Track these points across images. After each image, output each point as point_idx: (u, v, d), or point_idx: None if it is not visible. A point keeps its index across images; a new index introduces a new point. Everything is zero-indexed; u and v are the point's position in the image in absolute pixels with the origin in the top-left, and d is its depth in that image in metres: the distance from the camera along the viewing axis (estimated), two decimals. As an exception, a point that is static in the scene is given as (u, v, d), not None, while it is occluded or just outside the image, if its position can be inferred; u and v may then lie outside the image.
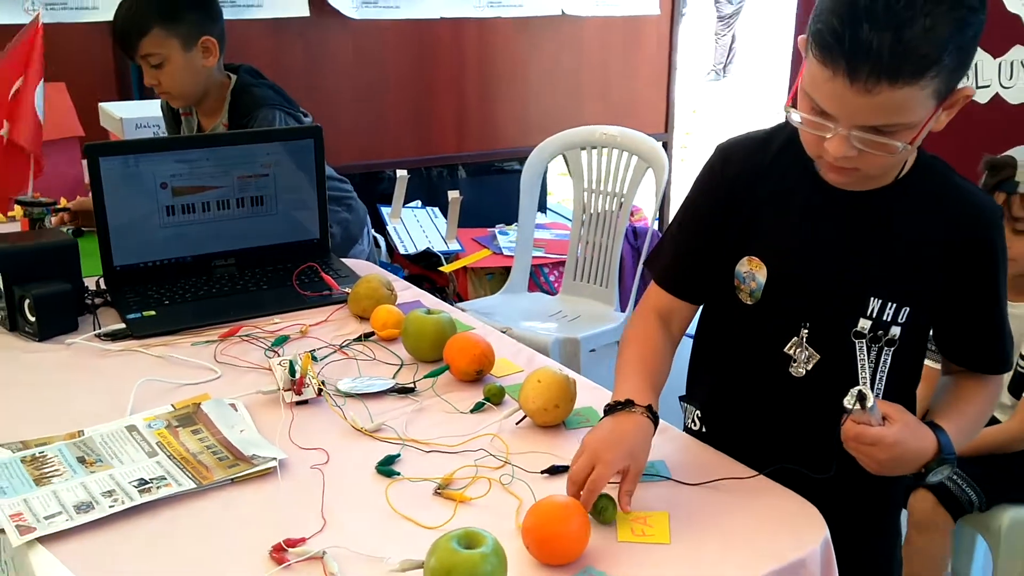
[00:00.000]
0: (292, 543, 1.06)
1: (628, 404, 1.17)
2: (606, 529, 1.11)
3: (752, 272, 1.26)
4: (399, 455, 1.26)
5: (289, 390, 1.38)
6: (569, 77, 4.05)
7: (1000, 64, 2.66)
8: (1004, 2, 2.61)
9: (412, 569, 1.00)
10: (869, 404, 1.07)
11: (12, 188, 1.96)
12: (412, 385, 1.45)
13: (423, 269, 3.58)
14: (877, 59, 0.99)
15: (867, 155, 1.08)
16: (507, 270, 3.49)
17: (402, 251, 3.56)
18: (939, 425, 1.15)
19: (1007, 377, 1.88)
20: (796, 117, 1.11)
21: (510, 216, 3.92)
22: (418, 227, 3.72)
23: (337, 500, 1.16)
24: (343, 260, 1.97)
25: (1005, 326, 1.25)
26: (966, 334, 1.25)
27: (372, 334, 1.63)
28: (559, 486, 1.17)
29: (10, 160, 2.10)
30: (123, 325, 1.63)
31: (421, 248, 3.54)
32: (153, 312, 1.67)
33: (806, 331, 1.24)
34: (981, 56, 2.69)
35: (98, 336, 1.60)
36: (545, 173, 3.11)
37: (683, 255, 1.34)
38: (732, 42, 10.74)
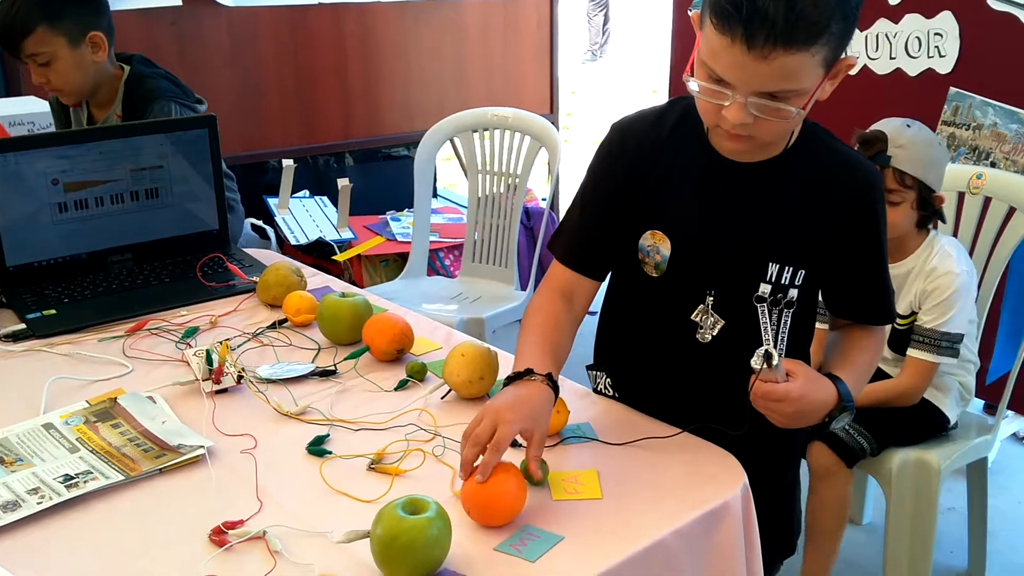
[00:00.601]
0: (231, 525, 1.06)
1: (528, 372, 1.19)
2: (541, 489, 1.14)
3: (656, 245, 1.31)
4: (328, 435, 1.27)
5: (208, 379, 1.37)
6: (452, 60, 4.07)
7: (867, 37, 2.82)
8: (865, -22, 2.77)
9: (358, 539, 1.01)
10: (775, 363, 1.13)
11: None
12: (333, 368, 1.45)
13: (316, 259, 3.53)
14: (772, 26, 1.04)
15: (762, 122, 1.14)
16: (401, 256, 3.49)
17: (293, 242, 3.51)
18: (837, 376, 1.22)
19: (887, 329, 2.01)
20: (694, 86, 1.16)
21: (401, 202, 3.92)
22: (308, 217, 3.68)
23: (271, 482, 1.16)
24: (246, 250, 1.94)
25: (887, 280, 1.34)
26: (854, 290, 1.33)
27: (285, 321, 1.62)
28: (490, 453, 1.21)
29: None
30: (23, 325, 1.57)
31: (313, 238, 3.50)
32: (53, 311, 1.62)
33: (711, 299, 1.29)
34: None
35: (-3, 338, 1.54)
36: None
37: (584, 232, 1.36)
38: (605, 23, 10.94)
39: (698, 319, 1.31)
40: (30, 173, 1.69)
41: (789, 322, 1.30)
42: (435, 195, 4.30)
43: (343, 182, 3.44)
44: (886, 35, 2.77)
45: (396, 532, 0.97)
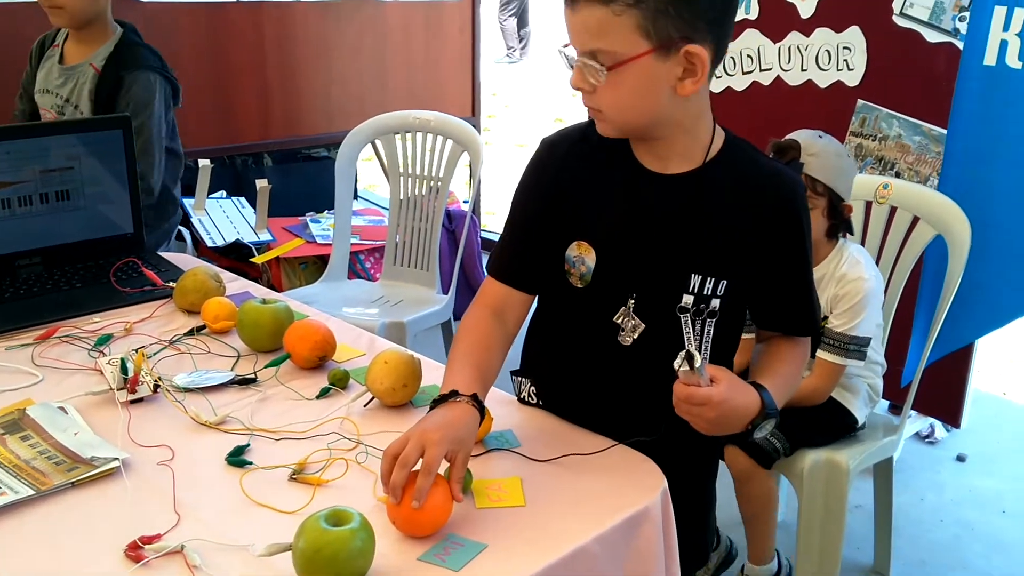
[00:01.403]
0: (148, 540, 1.04)
1: (453, 395, 1.19)
2: (465, 498, 1.14)
3: (581, 256, 1.32)
4: (248, 445, 1.25)
5: (123, 389, 1.33)
6: (373, 62, 4.04)
7: (779, 49, 2.91)
8: (782, -10, 2.86)
9: (280, 552, 1.00)
10: (697, 364, 1.12)
11: None
12: (253, 376, 1.43)
13: (233, 261, 3.47)
14: None
15: (599, 92, 1.19)
16: (321, 259, 3.45)
17: (209, 244, 3.43)
18: (760, 384, 1.23)
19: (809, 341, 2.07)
20: (570, 52, 1.20)
21: (320, 204, 3.88)
22: (225, 218, 3.60)
23: (189, 495, 1.14)
24: (161, 254, 1.89)
25: (812, 292, 1.37)
26: (779, 301, 1.35)
27: (203, 327, 1.59)
28: (413, 461, 1.21)
29: None
30: (-79, 333, 1.51)
31: (230, 240, 3.43)
32: (-44, 317, 1.55)
33: (632, 302, 1.31)
34: (763, 41, 2.93)
35: None
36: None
37: (514, 246, 1.37)
38: (522, 26, 10.99)
39: (619, 321, 1.32)
40: (-69, 173, 1.63)
41: (712, 331, 1.32)
42: (355, 196, 4.27)
43: (261, 183, 3.39)
44: (798, 47, 2.86)
45: (319, 544, 0.96)
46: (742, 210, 1.28)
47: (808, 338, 1.40)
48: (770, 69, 2.95)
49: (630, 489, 1.18)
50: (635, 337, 1.32)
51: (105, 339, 1.53)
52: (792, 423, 1.97)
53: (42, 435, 1.23)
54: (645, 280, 1.30)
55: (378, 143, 3.04)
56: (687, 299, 1.29)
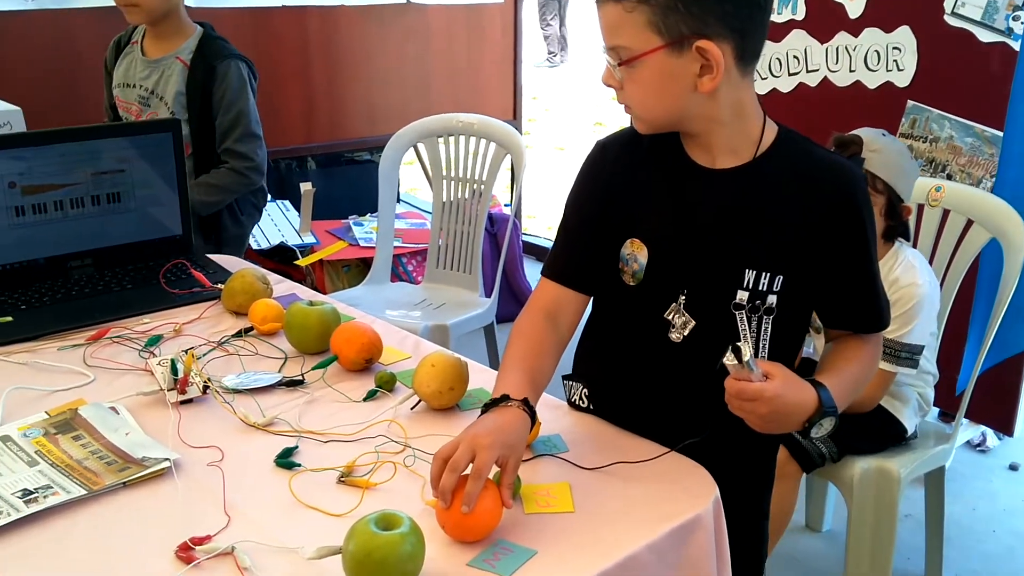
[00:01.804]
0: (198, 541, 1.04)
1: (504, 399, 1.18)
2: (514, 503, 1.13)
3: (634, 253, 1.32)
4: (296, 447, 1.25)
5: (173, 390, 1.34)
6: (416, 66, 4.05)
7: (827, 49, 2.87)
8: (828, -10, 2.82)
9: (329, 555, 1.00)
10: (746, 358, 1.10)
11: None
12: (301, 377, 1.43)
13: (277, 264, 3.49)
14: None
15: (626, 89, 1.22)
16: (364, 261, 3.47)
17: (254, 247, 3.46)
18: (820, 382, 1.20)
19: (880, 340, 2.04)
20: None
21: (363, 207, 3.89)
22: (269, 221, 3.63)
23: (238, 496, 1.14)
24: (209, 256, 1.91)
25: (878, 287, 1.32)
26: (842, 297, 1.31)
27: (251, 329, 1.60)
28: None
29: None
30: (-23, 333, 1.53)
31: (275, 243, 3.46)
32: (9, 318, 1.58)
33: (683, 298, 1.29)
34: (809, 42, 2.89)
35: (-50, 346, 1.50)
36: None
37: (569, 246, 1.38)
38: (561, 27, 10.97)
39: (670, 317, 1.30)
40: (-10, 175, 1.65)
41: (770, 329, 1.29)
42: (397, 200, 4.28)
43: (306, 186, 3.41)
44: (846, 48, 2.82)
45: (369, 548, 0.96)
46: (798, 203, 1.25)
47: (880, 336, 1.35)
48: (817, 70, 2.91)
49: (681, 496, 1.17)
50: (685, 334, 1.30)
51: (155, 340, 1.54)
52: (840, 430, 1.94)
53: (94, 435, 1.24)
54: (696, 276, 1.29)
55: (420, 146, 3.04)
56: (741, 295, 1.27)
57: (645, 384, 1.36)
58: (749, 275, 1.26)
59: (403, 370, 1.47)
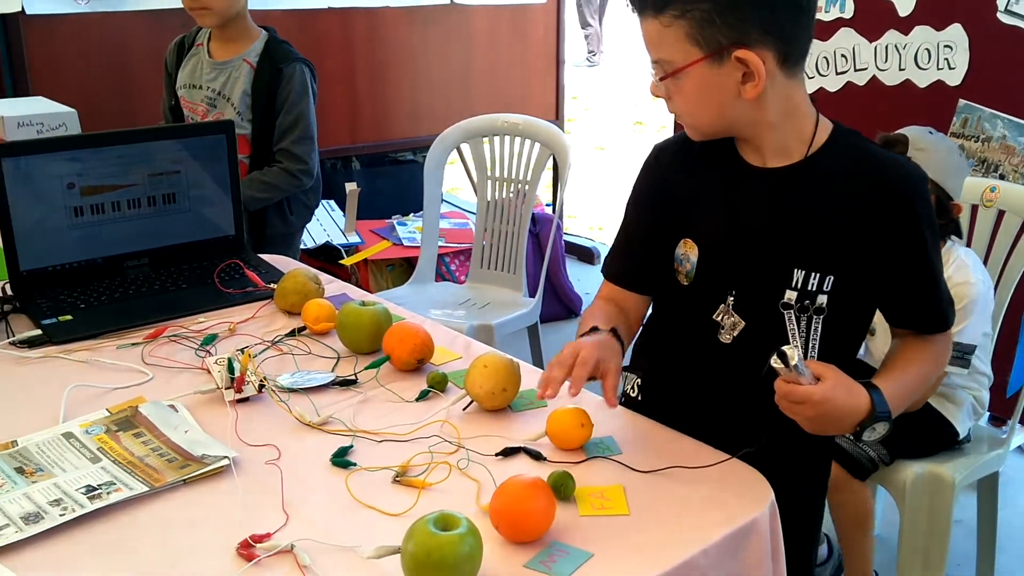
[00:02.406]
0: (259, 539, 1.05)
1: (594, 330, 1.28)
2: (568, 505, 1.14)
3: (687, 254, 1.34)
4: (351, 446, 1.26)
5: (229, 388, 1.36)
6: (459, 66, 4.07)
7: (876, 48, 2.83)
8: (878, -12, 2.79)
9: (388, 555, 1.01)
10: (793, 362, 1.10)
11: None
12: (354, 377, 1.45)
13: (323, 263, 3.53)
14: None
15: (674, 99, 1.26)
16: (407, 261, 3.49)
17: (301, 246, 3.50)
18: (874, 384, 1.20)
19: (947, 341, 2.01)
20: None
21: (406, 207, 3.92)
22: (315, 221, 3.67)
23: (296, 494, 1.15)
24: (261, 256, 1.94)
25: (939, 284, 1.30)
26: (902, 295, 1.29)
27: (304, 328, 1.61)
28: (515, 467, 1.21)
29: None
30: (38, 331, 1.56)
31: (320, 242, 3.50)
32: (70, 316, 1.61)
33: (732, 299, 1.31)
34: (858, 40, 2.86)
35: (13, 344, 1.53)
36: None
37: (627, 249, 1.42)
38: (599, 32, 10.95)
39: (719, 319, 1.32)
40: (46, 177, 1.68)
41: (820, 329, 1.28)
42: (441, 199, 4.30)
43: (351, 186, 3.44)
44: (895, 46, 2.78)
45: (429, 548, 0.96)
46: (851, 202, 1.25)
47: (946, 337, 1.33)
48: (865, 69, 2.87)
49: (737, 501, 1.16)
50: (735, 335, 1.31)
51: (211, 339, 1.57)
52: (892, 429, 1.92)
53: (154, 432, 1.27)
54: (745, 276, 1.30)
55: (464, 146, 3.06)
56: (790, 295, 1.27)
57: (695, 384, 1.37)
58: (798, 275, 1.27)
59: (454, 370, 1.48)
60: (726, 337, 1.32)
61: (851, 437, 1.21)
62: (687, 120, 1.29)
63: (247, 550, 1.04)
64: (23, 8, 3.07)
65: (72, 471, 1.18)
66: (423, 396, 1.41)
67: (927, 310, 1.31)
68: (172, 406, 1.33)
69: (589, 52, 11.01)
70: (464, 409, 1.37)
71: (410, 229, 3.71)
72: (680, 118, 1.30)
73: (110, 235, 1.77)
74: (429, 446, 1.27)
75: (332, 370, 1.48)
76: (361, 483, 1.18)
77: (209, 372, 1.41)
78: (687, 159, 1.35)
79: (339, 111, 3.78)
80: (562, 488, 1.14)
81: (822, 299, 1.27)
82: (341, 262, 3.46)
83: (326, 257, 3.49)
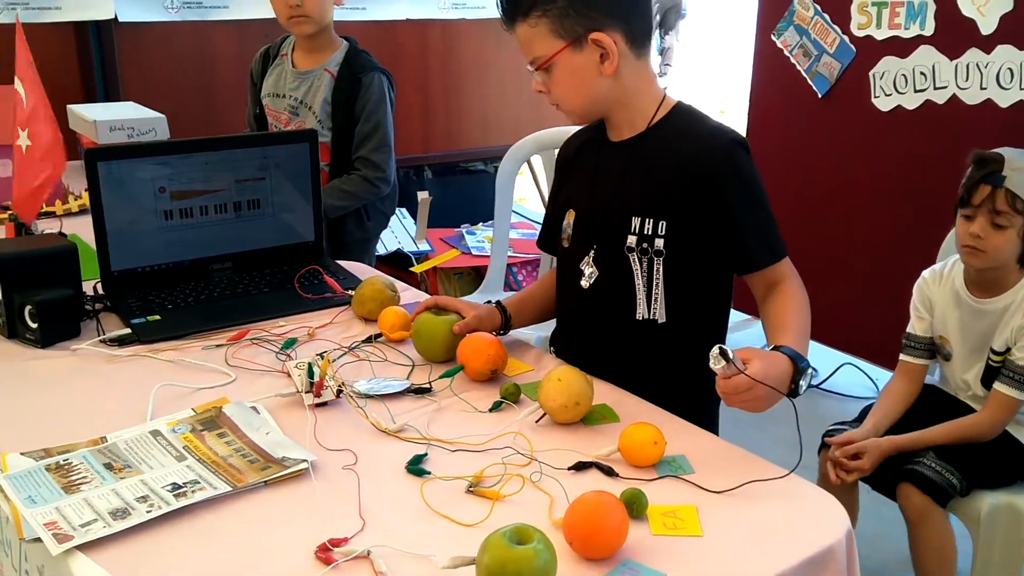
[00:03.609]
0: (336, 543, 1.07)
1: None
2: (640, 523, 1.14)
3: (569, 222, 1.62)
4: (426, 454, 1.28)
5: (309, 392, 1.39)
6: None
7: (956, 66, 2.77)
8: (959, 6, 2.72)
9: (463, 565, 1.02)
10: (731, 357, 1.22)
11: (40, 195, 1.87)
12: (428, 385, 1.47)
13: (393, 270, 3.58)
14: (500, 4, 1.48)
15: (551, 90, 1.49)
16: (475, 270, 3.52)
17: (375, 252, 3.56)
18: (780, 344, 1.36)
19: (978, 370, 1.96)
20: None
21: (475, 216, 3.95)
22: (387, 229, 3.72)
23: (373, 500, 1.17)
24: (339, 262, 1.98)
25: (763, 226, 1.50)
26: (735, 238, 1.49)
27: (380, 335, 1.64)
28: (586, 482, 1.22)
29: (32, 167, 2.02)
30: (127, 330, 1.62)
31: (392, 249, 3.55)
32: (158, 316, 1.66)
33: (593, 251, 1.56)
34: (938, 58, 2.80)
35: (104, 342, 1.59)
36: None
37: (546, 220, 1.75)
38: (660, 45, 10.89)
39: (583, 268, 1.58)
40: (139, 181, 1.75)
41: (662, 270, 1.51)
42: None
43: (422, 195, 3.48)
44: (977, 65, 2.72)
45: (504, 561, 0.97)
46: (676, 162, 1.49)
47: (784, 264, 1.51)
48: (945, 87, 2.81)
49: (812, 526, 1.15)
50: (591, 282, 1.57)
51: (291, 343, 1.61)
52: (967, 461, 1.87)
53: (237, 433, 1.30)
54: (599, 229, 1.54)
55: (534, 158, 3.07)
56: (631, 240, 1.51)
57: (566, 324, 1.68)
58: (635, 221, 1.51)
59: (527, 382, 1.49)
60: (585, 283, 1.57)
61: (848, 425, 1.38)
62: (565, 106, 1.51)
63: (325, 554, 1.06)
64: (116, 16, 3.19)
65: (159, 468, 1.22)
66: (496, 407, 1.42)
67: (756, 245, 1.50)
68: (254, 408, 1.37)
69: (664, 65, 10.97)
70: (537, 421, 1.38)
71: (479, 238, 3.74)
72: (560, 106, 1.52)
73: (197, 239, 1.82)
74: (502, 457, 1.28)
75: (407, 378, 1.51)
76: (435, 491, 1.20)
77: (289, 376, 1.45)
78: (575, 147, 1.65)
79: (413, 120, 3.83)
80: (635, 505, 1.14)
81: (659, 242, 1.50)
82: (411, 269, 3.51)
83: (397, 264, 3.54)
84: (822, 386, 3.38)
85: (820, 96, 3.17)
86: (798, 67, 3.23)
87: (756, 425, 1.55)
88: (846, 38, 3.05)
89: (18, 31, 2.00)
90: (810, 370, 1.33)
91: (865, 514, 2.05)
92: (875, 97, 2.99)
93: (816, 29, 3.14)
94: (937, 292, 2.00)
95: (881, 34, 2.95)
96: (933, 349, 2.04)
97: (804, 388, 1.31)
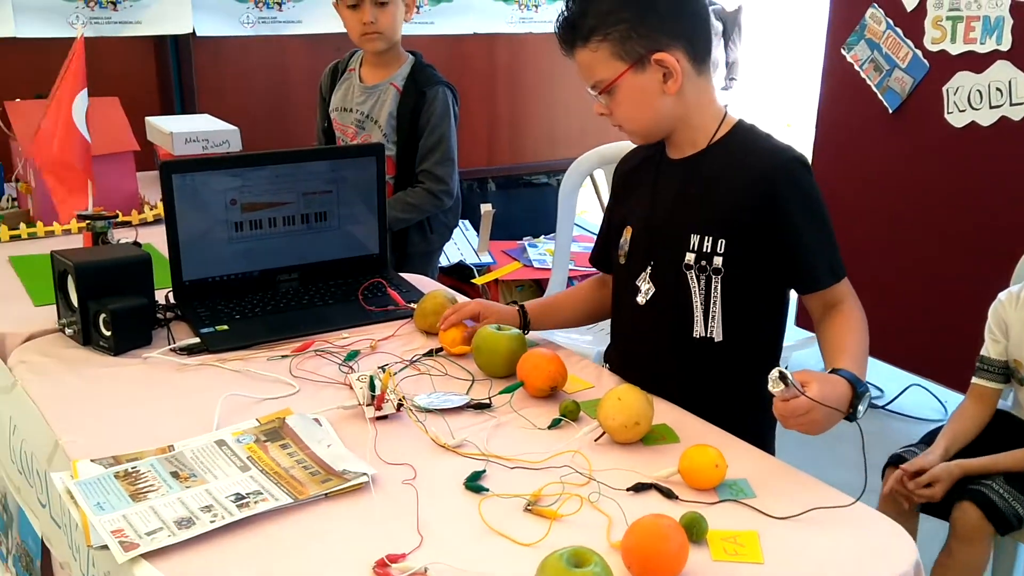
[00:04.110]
0: (394, 558, 1.08)
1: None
2: (699, 549, 1.12)
3: (626, 238, 1.62)
4: (484, 471, 1.28)
5: (370, 405, 1.40)
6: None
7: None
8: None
9: (520, 586, 1.02)
10: (791, 380, 1.22)
11: (75, 203, 1.95)
12: (488, 401, 1.47)
13: (455, 281, 3.60)
14: (559, 32, 1.50)
15: (613, 113, 1.50)
16: (537, 282, 3.52)
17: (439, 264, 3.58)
18: (837, 368, 1.35)
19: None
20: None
21: (538, 229, 3.96)
22: (450, 240, 3.75)
23: (431, 515, 1.18)
24: (402, 275, 2.00)
25: (825, 245, 1.49)
26: (798, 257, 1.49)
27: (441, 349, 1.65)
28: (645, 504, 1.20)
29: (68, 175, 2.10)
30: (196, 339, 1.65)
31: (454, 261, 3.57)
32: (225, 326, 1.70)
33: (651, 268, 1.57)
34: (1015, 74, 2.73)
35: (173, 350, 1.63)
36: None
37: (601, 237, 1.75)
38: (726, 59, 10.78)
39: (639, 284, 1.58)
40: (211, 192, 1.79)
41: (720, 289, 1.50)
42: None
43: (485, 207, 3.50)
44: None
45: (560, 583, 0.97)
46: (737, 180, 1.48)
47: (843, 284, 1.50)
48: (1022, 103, 2.73)
49: (878, 557, 1.12)
50: (647, 298, 1.57)
51: (353, 355, 1.62)
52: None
53: (299, 444, 1.32)
54: (657, 246, 1.55)
55: (597, 171, 3.06)
56: (689, 257, 1.51)
57: (621, 340, 1.69)
58: (694, 239, 1.50)
59: (586, 399, 1.48)
60: (641, 300, 1.57)
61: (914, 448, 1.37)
62: (628, 127, 1.53)
63: (383, 569, 1.07)
64: (194, 30, 3.27)
65: (223, 478, 1.24)
66: (555, 424, 1.42)
67: (815, 266, 1.49)
68: (316, 420, 1.38)
69: (729, 78, 10.87)
70: (596, 440, 1.37)
71: (541, 251, 3.74)
72: (623, 128, 1.53)
73: (265, 250, 1.86)
74: (560, 476, 1.27)
75: (467, 393, 1.51)
76: (493, 509, 1.20)
77: (351, 388, 1.46)
78: (636, 162, 1.66)
79: (478, 133, 3.86)
80: (695, 530, 1.13)
81: (718, 260, 1.49)
82: (473, 281, 3.52)
83: (459, 276, 3.57)
84: (888, 407, 3.30)
85: (891, 111, 3.10)
86: (868, 82, 3.17)
87: (819, 446, 1.53)
88: (919, 52, 2.98)
89: (79, 45, 2.06)
90: (869, 394, 1.32)
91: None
92: (948, 113, 2.92)
93: (888, 43, 3.08)
94: (1013, 315, 1.94)
95: (956, 48, 2.88)
96: (1007, 373, 1.98)
97: (862, 412, 1.31)
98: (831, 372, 1.35)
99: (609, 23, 1.43)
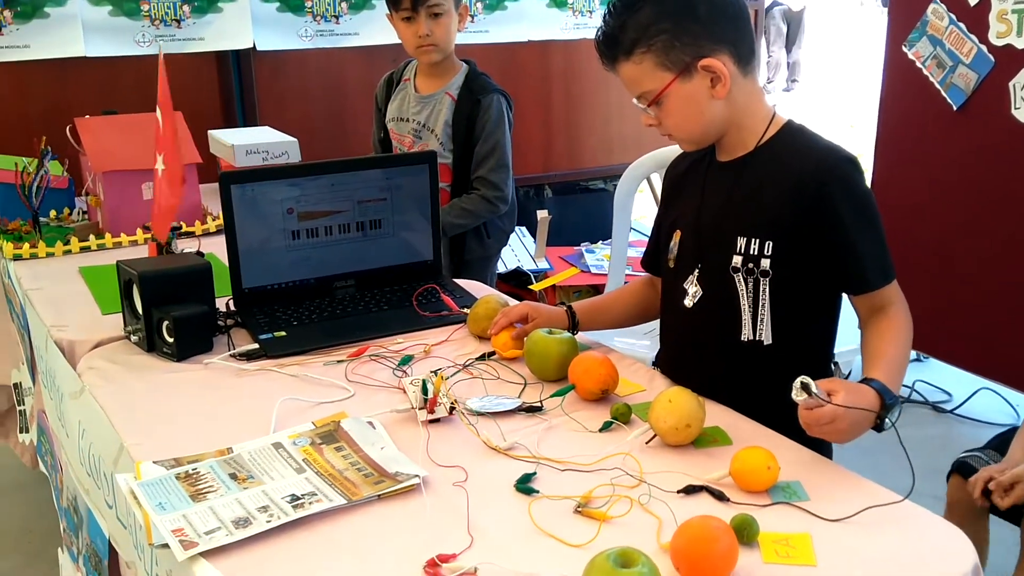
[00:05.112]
0: (445, 559, 1.09)
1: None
2: (750, 551, 1.11)
3: (675, 242, 1.61)
4: (535, 473, 1.29)
5: (423, 409, 1.42)
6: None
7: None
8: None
9: (568, 586, 1.02)
10: (814, 389, 1.22)
11: (170, 216, 2.00)
12: (539, 404, 1.48)
13: (512, 287, 3.62)
14: (599, 47, 1.49)
15: (662, 122, 1.48)
16: (594, 288, 3.52)
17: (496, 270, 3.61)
18: (871, 378, 1.33)
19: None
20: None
21: (595, 234, 3.95)
22: (507, 247, 3.77)
23: (481, 517, 1.19)
24: (456, 281, 2.02)
25: (876, 248, 1.47)
26: (849, 258, 1.46)
27: (493, 354, 1.67)
28: (696, 506, 1.20)
29: (163, 190, 2.14)
30: (255, 345, 1.70)
31: (511, 267, 3.59)
32: (283, 332, 1.74)
33: (697, 271, 1.56)
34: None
35: (233, 356, 1.67)
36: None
37: (651, 243, 1.75)
38: (787, 60, 10.64)
39: (687, 287, 1.57)
40: (269, 202, 1.83)
41: (768, 292, 1.49)
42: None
43: (542, 214, 3.51)
44: None
45: (608, 582, 0.97)
46: (785, 181, 1.46)
47: (891, 288, 1.48)
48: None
49: (935, 560, 1.10)
50: (695, 300, 1.56)
51: (407, 359, 1.65)
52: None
53: (353, 447, 1.35)
54: (705, 249, 1.54)
55: (653, 176, 3.05)
56: (736, 260, 1.50)
57: (669, 342, 1.68)
58: (742, 241, 1.49)
59: (638, 402, 1.48)
60: (688, 303, 1.57)
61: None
62: (678, 135, 1.52)
63: (433, 569, 1.08)
64: (254, 44, 3.35)
65: (279, 479, 1.27)
66: (606, 427, 1.42)
67: (866, 268, 1.46)
68: (370, 423, 1.41)
69: (791, 79, 10.73)
70: (647, 443, 1.37)
71: (598, 256, 3.74)
72: (673, 136, 1.52)
73: (322, 257, 1.90)
74: (611, 478, 1.27)
75: (518, 396, 1.52)
76: (543, 511, 1.20)
77: (404, 392, 1.49)
78: (686, 166, 1.64)
79: (534, 140, 3.87)
80: (745, 532, 1.12)
81: (765, 263, 1.48)
82: (530, 287, 3.54)
83: (516, 282, 3.58)
84: (957, 411, 3.22)
85: (955, 108, 3.03)
86: (931, 79, 3.10)
87: (878, 449, 1.50)
88: (983, 47, 2.91)
89: (160, 64, 2.13)
90: (898, 405, 1.32)
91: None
92: (1015, 108, 2.84)
93: (951, 39, 3.01)
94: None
95: (1022, 43, 2.80)
96: (1080, 377, 1.92)
97: (890, 424, 1.30)
98: (863, 381, 1.33)
99: (650, 35, 1.42)
